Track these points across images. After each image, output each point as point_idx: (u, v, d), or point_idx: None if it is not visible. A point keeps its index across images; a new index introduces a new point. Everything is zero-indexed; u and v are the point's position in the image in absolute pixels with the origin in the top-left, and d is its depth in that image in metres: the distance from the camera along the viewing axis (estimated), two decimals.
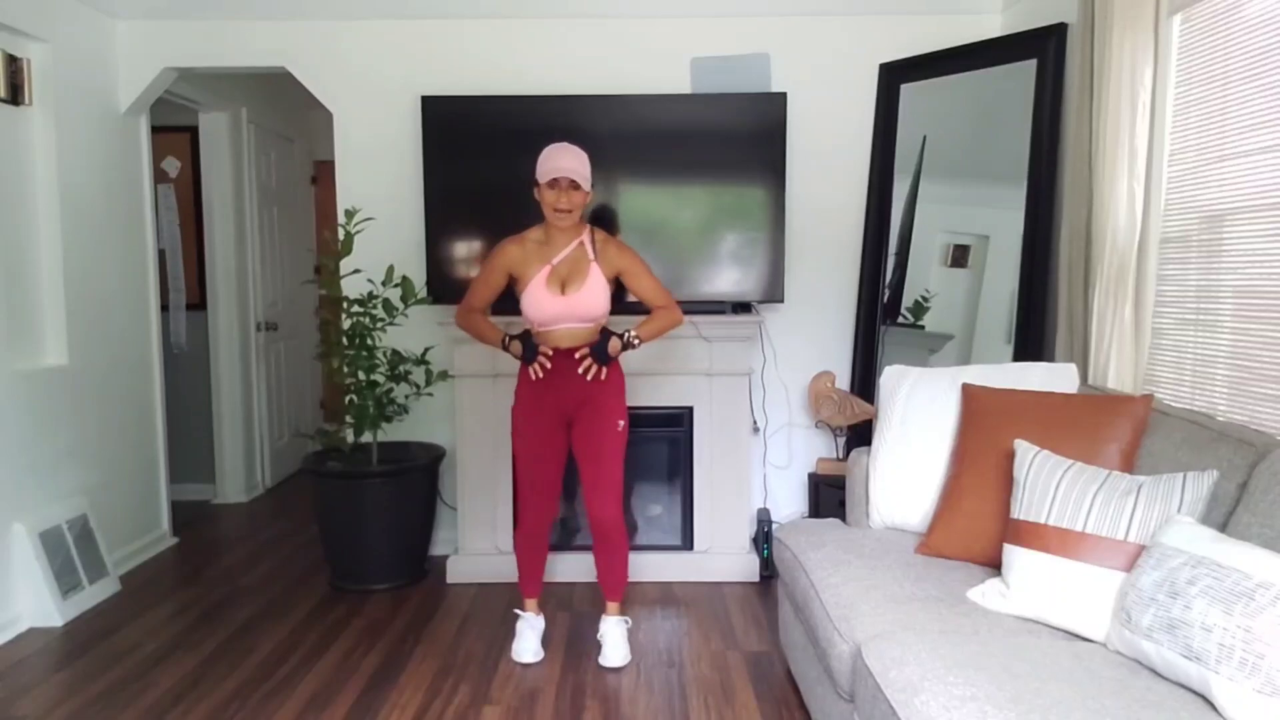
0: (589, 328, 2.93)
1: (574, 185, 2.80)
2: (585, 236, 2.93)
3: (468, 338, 3.71)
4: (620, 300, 3.07)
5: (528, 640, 3.08)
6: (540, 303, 2.87)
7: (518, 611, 3.16)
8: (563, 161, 2.79)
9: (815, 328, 4.18)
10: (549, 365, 2.85)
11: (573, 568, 3.80)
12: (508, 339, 2.92)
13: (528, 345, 2.89)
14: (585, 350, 2.88)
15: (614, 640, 3.05)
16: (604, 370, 2.90)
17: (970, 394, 2.65)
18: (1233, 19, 2.53)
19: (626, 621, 3.13)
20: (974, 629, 2.07)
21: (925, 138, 3.89)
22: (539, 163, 2.83)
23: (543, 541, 3.11)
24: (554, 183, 2.79)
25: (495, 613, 3.50)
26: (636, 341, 2.92)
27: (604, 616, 3.11)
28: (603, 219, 3.85)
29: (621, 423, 2.99)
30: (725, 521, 3.88)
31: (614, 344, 2.91)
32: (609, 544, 3.04)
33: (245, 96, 5.13)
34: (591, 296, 2.88)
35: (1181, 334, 2.76)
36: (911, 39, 4.01)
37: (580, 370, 2.87)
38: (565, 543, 3.92)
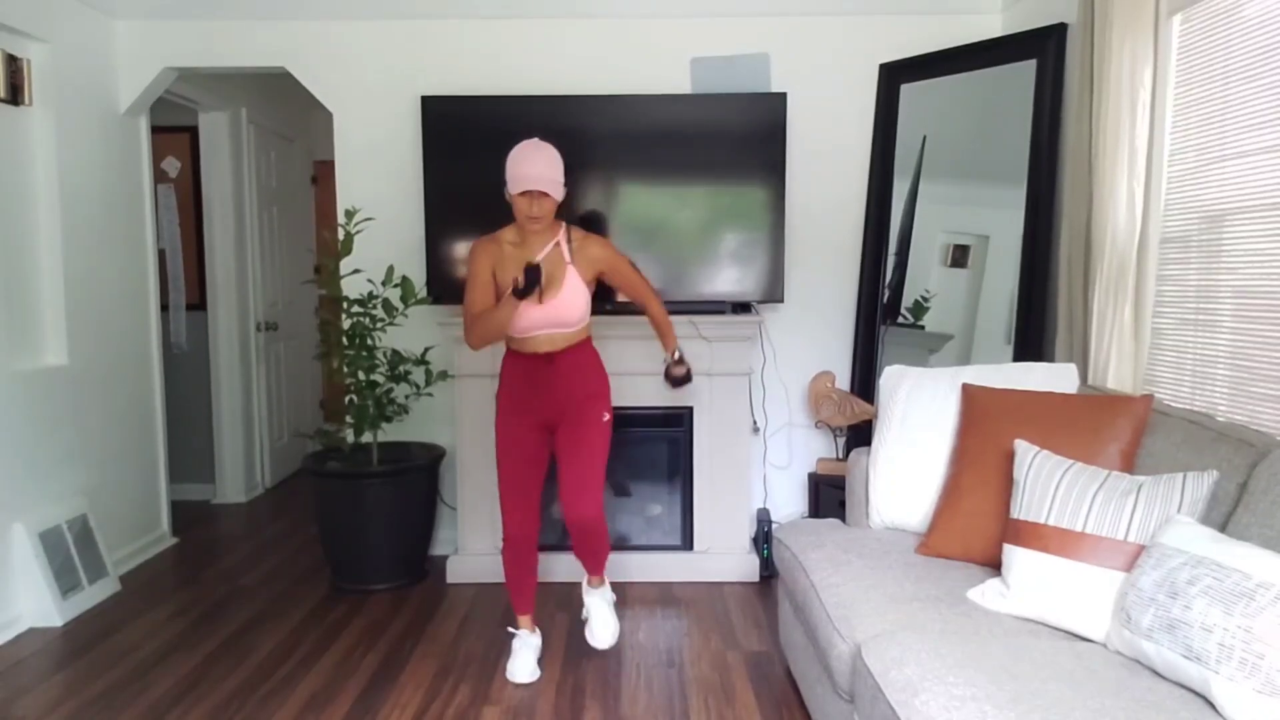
0: (570, 332, 2.86)
1: (544, 193, 2.69)
2: (561, 236, 2.83)
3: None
4: (608, 299, 2.99)
5: (524, 660, 2.97)
6: (518, 311, 2.76)
7: (512, 630, 3.06)
8: (533, 170, 2.67)
9: (815, 328, 4.18)
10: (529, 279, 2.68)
11: (571, 568, 3.78)
12: (515, 282, 2.65)
13: (529, 276, 2.63)
14: (685, 373, 2.92)
15: (601, 616, 3.00)
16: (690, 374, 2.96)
17: (970, 394, 2.65)
18: (1233, 19, 2.53)
19: (612, 595, 3.05)
20: (974, 629, 2.07)
21: (925, 138, 3.89)
22: (508, 165, 2.69)
23: (530, 553, 2.99)
24: (526, 191, 2.69)
25: (495, 613, 3.50)
26: (679, 355, 2.95)
27: (587, 589, 3.05)
28: (602, 220, 3.85)
29: (607, 415, 2.93)
30: (725, 521, 3.88)
31: (682, 367, 2.92)
32: (589, 539, 2.96)
33: (245, 96, 5.13)
34: (570, 301, 2.80)
35: (1181, 334, 2.76)
36: (911, 39, 4.01)
37: (679, 377, 2.92)
38: (564, 543, 3.91)
